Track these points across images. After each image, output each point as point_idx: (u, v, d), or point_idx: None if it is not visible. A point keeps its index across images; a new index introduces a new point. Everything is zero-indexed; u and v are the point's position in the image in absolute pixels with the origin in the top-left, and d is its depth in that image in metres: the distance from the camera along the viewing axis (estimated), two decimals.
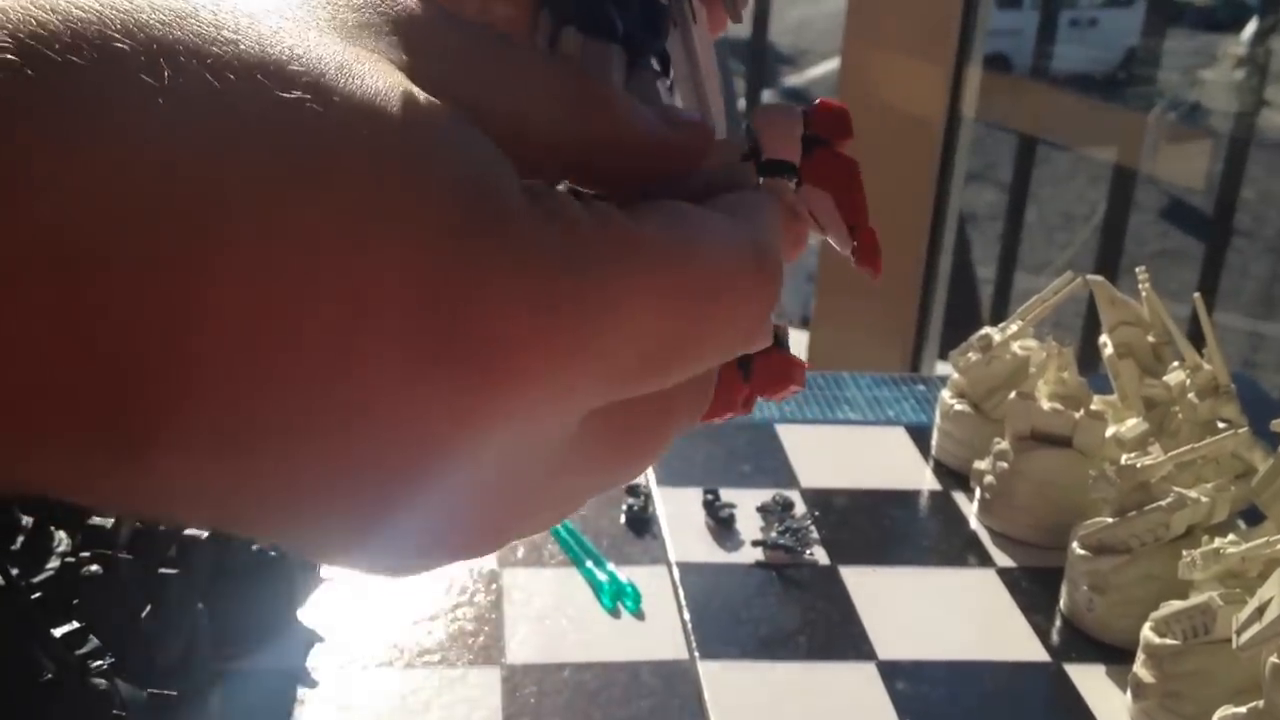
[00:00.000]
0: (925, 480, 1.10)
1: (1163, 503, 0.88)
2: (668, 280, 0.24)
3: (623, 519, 1.02)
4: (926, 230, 2.02)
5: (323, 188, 0.21)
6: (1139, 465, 0.90)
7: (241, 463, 0.22)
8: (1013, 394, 1.02)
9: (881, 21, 1.97)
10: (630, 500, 1.03)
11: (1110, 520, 0.90)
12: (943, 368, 2.93)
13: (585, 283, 0.23)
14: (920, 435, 1.16)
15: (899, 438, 1.17)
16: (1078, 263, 6.51)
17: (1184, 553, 0.84)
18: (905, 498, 1.08)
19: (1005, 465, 1.01)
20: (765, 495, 1.05)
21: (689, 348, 0.25)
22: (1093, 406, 1.02)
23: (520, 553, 0.97)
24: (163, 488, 0.22)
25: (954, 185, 2.00)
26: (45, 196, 0.19)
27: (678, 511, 1.03)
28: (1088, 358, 1.71)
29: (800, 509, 1.04)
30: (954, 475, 1.10)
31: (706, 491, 1.04)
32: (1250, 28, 7.55)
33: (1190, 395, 0.98)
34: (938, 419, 1.13)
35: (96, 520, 0.78)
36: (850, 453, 1.14)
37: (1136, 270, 1.06)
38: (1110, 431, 1.01)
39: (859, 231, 0.35)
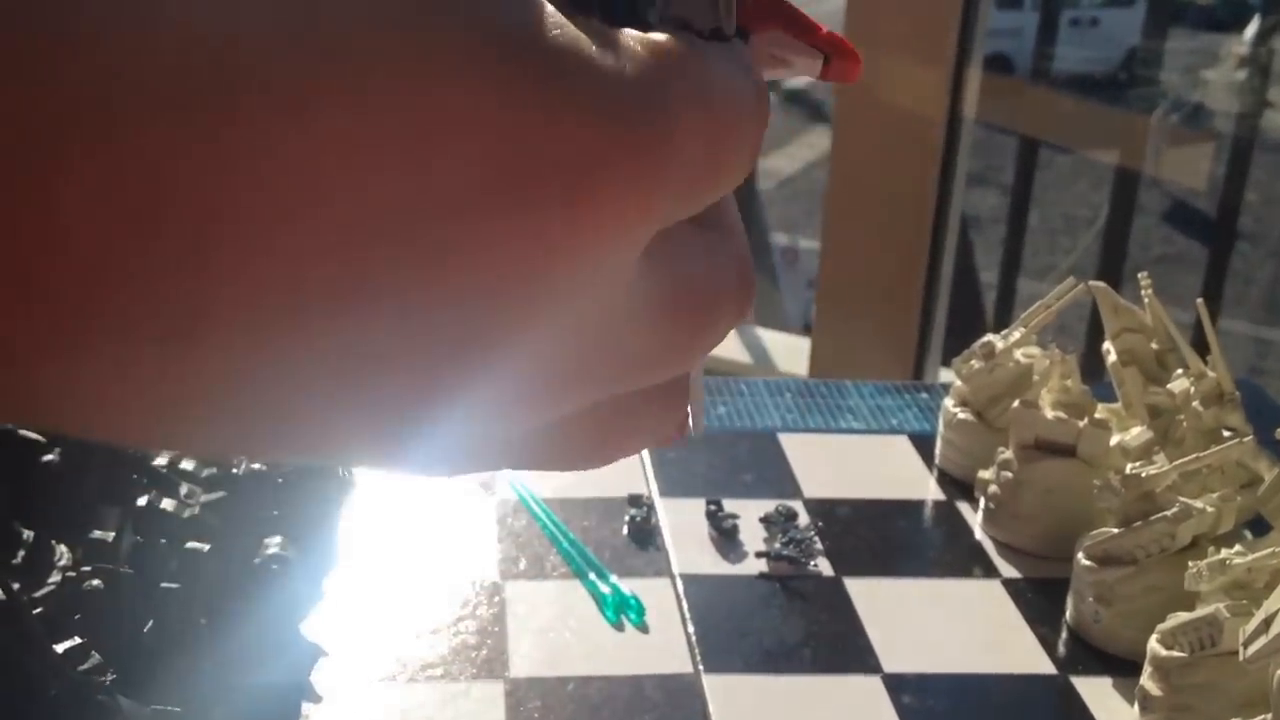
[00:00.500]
0: (929, 490, 1.11)
1: (1168, 513, 0.89)
2: (710, 103, 0.25)
3: (625, 530, 1.02)
4: (928, 234, 2.03)
5: (375, 29, 0.20)
6: (1144, 475, 0.91)
7: (312, 332, 0.21)
8: (1016, 402, 1.03)
9: (880, 21, 1.98)
10: (633, 511, 1.04)
11: (1116, 531, 0.91)
12: (946, 374, 2.94)
13: (653, 96, 0.23)
14: (923, 444, 1.17)
15: (902, 447, 1.17)
16: (1081, 267, 6.53)
17: (1190, 564, 0.85)
18: (909, 508, 1.09)
19: (1009, 475, 1.02)
20: (768, 506, 1.06)
21: (722, 172, 0.26)
22: (1097, 415, 1.03)
23: (522, 564, 0.98)
24: (225, 372, 0.21)
25: (955, 188, 2.01)
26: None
27: (680, 522, 1.04)
28: (1092, 365, 1.72)
29: (804, 519, 1.05)
30: (957, 484, 1.11)
31: (709, 502, 1.05)
32: (1252, 27, 7.56)
33: (1195, 403, 0.99)
34: (941, 427, 1.13)
35: (97, 533, 0.79)
36: (853, 462, 1.15)
37: (1139, 276, 1.07)
38: (1114, 440, 1.02)
39: (820, 38, 0.36)
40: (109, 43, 0.18)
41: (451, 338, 0.22)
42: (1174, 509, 0.89)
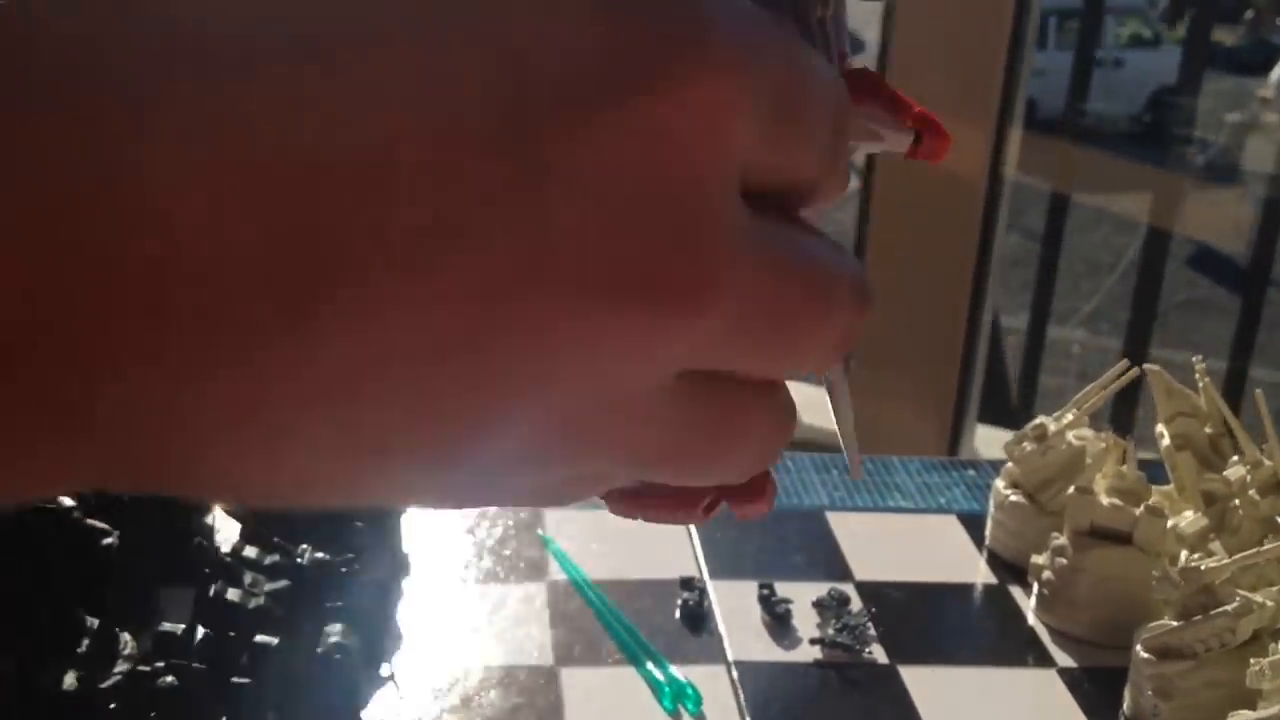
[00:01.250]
0: (980, 572, 1.13)
1: (1229, 608, 0.91)
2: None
3: (678, 614, 1.05)
4: (967, 295, 2.06)
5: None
6: (1203, 568, 0.93)
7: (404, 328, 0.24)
8: (1071, 488, 1.05)
9: (923, 79, 2.01)
10: (685, 594, 1.06)
11: (1175, 624, 0.93)
12: (983, 431, 2.96)
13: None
14: (972, 523, 1.19)
15: (951, 526, 1.20)
16: (1103, 311, 6.54)
17: (1251, 661, 0.87)
18: (961, 591, 1.11)
19: (1064, 561, 1.04)
20: (820, 589, 1.08)
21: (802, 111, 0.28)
22: (1152, 500, 1.05)
23: (577, 650, 1.00)
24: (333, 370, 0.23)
25: (994, 248, 2.03)
26: None
27: (733, 606, 1.06)
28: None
29: (856, 604, 1.07)
30: (1009, 568, 1.13)
31: (762, 586, 1.07)
32: (1277, 71, 7.61)
33: (1251, 492, 1.01)
34: (991, 508, 1.16)
35: (167, 626, 0.81)
36: (903, 542, 1.17)
37: (1194, 360, 1.10)
38: (1169, 524, 1.04)
39: (913, 115, 0.37)
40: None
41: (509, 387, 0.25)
42: (1234, 603, 0.91)
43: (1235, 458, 1.05)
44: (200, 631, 0.82)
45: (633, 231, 0.24)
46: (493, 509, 1.17)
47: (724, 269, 0.25)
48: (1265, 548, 0.94)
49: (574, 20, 0.24)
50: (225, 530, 0.90)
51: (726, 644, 1.02)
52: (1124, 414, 3.25)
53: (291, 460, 0.25)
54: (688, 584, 1.07)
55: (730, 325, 0.26)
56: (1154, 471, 1.12)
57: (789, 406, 0.31)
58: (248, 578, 0.86)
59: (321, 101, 0.22)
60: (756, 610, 1.06)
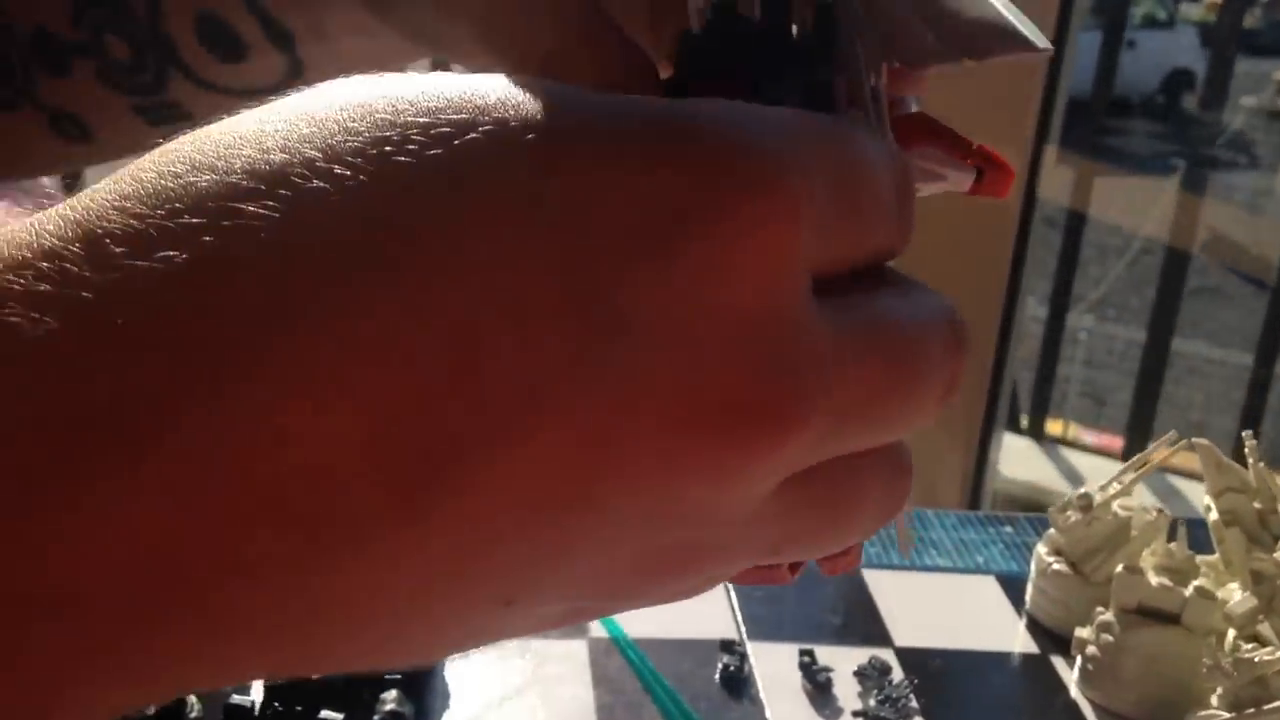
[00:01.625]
0: (1020, 640, 1.14)
1: None
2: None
3: (717, 678, 1.05)
4: (999, 311, 2.06)
5: None
6: (1256, 660, 0.94)
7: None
8: (1120, 566, 1.05)
9: (959, 98, 2.00)
10: (725, 658, 1.06)
11: (1227, 715, 0.94)
12: (1009, 439, 2.96)
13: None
14: (1011, 585, 1.20)
15: (990, 589, 1.20)
16: (1113, 298, 6.55)
17: None
18: (1002, 660, 1.12)
19: (1110, 638, 1.05)
20: (860, 655, 1.08)
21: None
22: (1200, 580, 1.06)
23: (618, 713, 1.01)
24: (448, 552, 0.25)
25: (1026, 272, 2.04)
26: None
27: (774, 671, 1.06)
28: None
29: (897, 674, 1.07)
30: (1049, 636, 1.14)
31: (802, 652, 1.07)
32: None
33: None
34: (1033, 573, 1.16)
35: (236, 698, 0.82)
36: (941, 605, 1.17)
37: (1244, 436, 1.10)
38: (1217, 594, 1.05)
39: (974, 152, 0.38)
40: None
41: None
42: None
43: None
44: (268, 704, 0.84)
45: (711, 368, 0.25)
46: None
47: (808, 383, 0.26)
48: None
49: (632, 171, 0.25)
50: None
51: (769, 714, 1.02)
52: (1144, 414, 3.26)
53: (425, 625, 0.27)
54: (728, 647, 1.08)
55: (826, 428, 0.27)
56: (1197, 533, 1.12)
57: (903, 457, 0.32)
58: None
59: (406, 294, 0.24)
60: (797, 677, 1.06)
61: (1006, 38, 0.33)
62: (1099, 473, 1.16)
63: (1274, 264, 3.09)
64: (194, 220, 0.24)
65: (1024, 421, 3.63)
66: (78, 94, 0.52)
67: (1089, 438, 4.18)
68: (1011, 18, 0.33)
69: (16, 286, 0.23)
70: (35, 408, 0.22)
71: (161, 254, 0.23)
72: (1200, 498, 1.13)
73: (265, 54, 0.49)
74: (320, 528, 0.24)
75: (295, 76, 0.50)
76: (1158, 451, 1.14)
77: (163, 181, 0.25)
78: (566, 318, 0.24)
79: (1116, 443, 3.71)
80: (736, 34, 0.34)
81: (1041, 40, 0.33)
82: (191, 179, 0.24)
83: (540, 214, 0.24)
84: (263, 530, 0.23)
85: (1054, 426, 3.90)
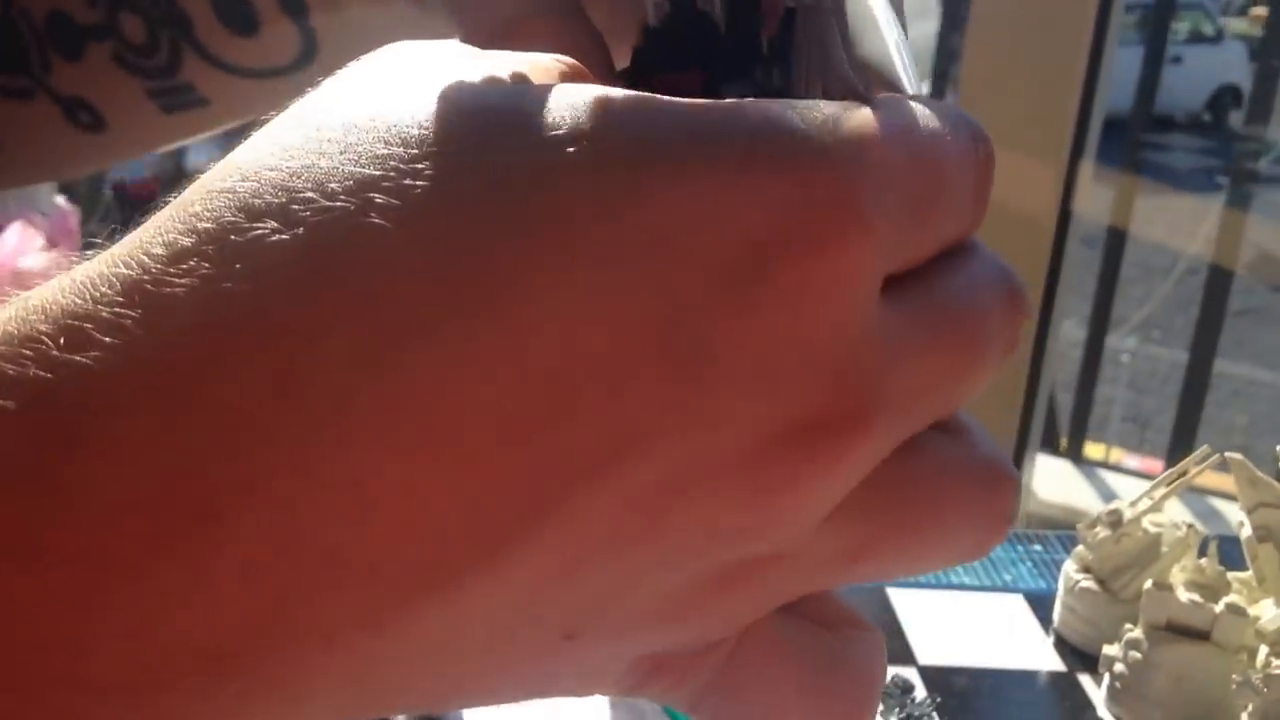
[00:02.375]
0: (1047, 658, 1.14)
1: None
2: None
3: None
4: (1033, 330, 2.05)
5: None
6: None
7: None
8: (1149, 583, 1.05)
9: (995, 111, 2.01)
10: None
11: None
12: (1043, 460, 2.95)
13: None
14: (1039, 604, 1.20)
15: (1018, 607, 1.20)
16: (1157, 320, 6.52)
17: None
18: (1028, 679, 1.11)
19: (1138, 656, 1.04)
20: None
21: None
22: (1231, 596, 1.06)
23: None
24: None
25: (1061, 291, 2.03)
26: None
27: None
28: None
29: (921, 692, 1.07)
30: (1077, 654, 1.13)
31: None
32: None
33: None
34: (1060, 591, 1.16)
35: None
36: (967, 623, 1.17)
37: (1278, 449, 1.10)
38: (1249, 614, 1.04)
39: None
40: None
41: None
42: None
43: None
44: None
45: (788, 389, 0.25)
46: None
47: (874, 388, 0.26)
48: None
49: (720, 196, 0.25)
50: None
51: None
52: (1186, 437, 3.25)
53: (493, 666, 0.27)
54: None
55: (890, 425, 0.27)
56: (1230, 549, 1.12)
57: (979, 449, 0.31)
58: None
59: (495, 339, 0.24)
60: None
61: (884, 84, 0.33)
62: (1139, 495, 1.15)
63: None
64: (272, 280, 0.24)
65: (1063, 444, 3.62)
66: (93, 79, 0.52)
67: (1131, 461, 4.16)
68: (898, 61, 0.33)
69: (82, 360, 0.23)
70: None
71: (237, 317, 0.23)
72: (1234, 516, 1.13)
73: (279, 25, 0.50)
74: (405, 588, 0.24)
75: (309, 53, 0.50)
76: (1190, 467, 1.13)
77: (229, 236, 0.24)
78: (659, 359, 0.24)
79: (1159, 466, 3.69)
80: (696, 30, 0.34)
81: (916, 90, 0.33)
82: (256, 230, 0.24)
83: (631, 244, 0.24)
84: (348, 593, 0.24)
85: (1095, 450, 3.89)
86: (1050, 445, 3.50)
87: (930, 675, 1.10)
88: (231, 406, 0.23)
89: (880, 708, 1.05)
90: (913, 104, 0.29)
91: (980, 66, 2.06)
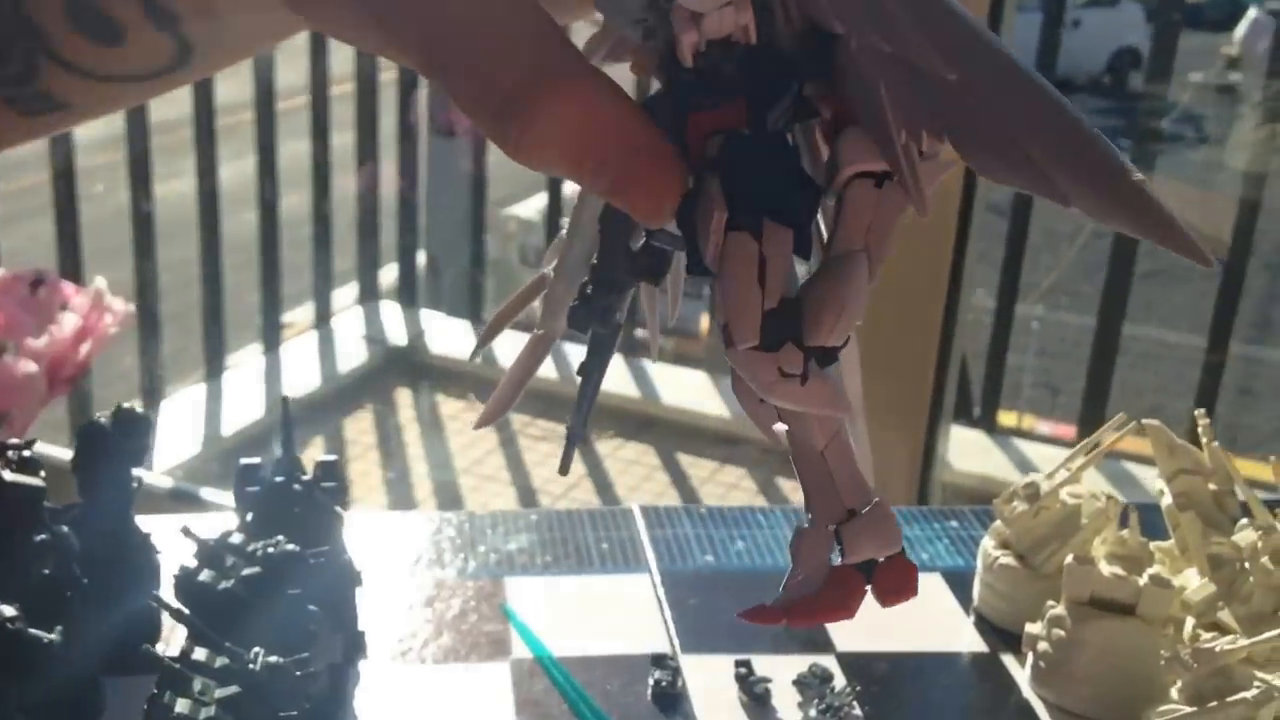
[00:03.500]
0: (968, 639, 1.12)
1: (1248, 695, 0.90)
2: None
3: (649, 695, 1.02)
4: (942, 297, 2.04)
5: None
6: (1217, 649, 0.92)
7: None
8: (1069, 557, 1.03)
9: None
10: (658, 673, 1.04)
11: (1188, 709, 0.92)
12: (957, 431, 2.94)
13: None
14: (957, 582, 1.18)
15: (936, 586, 1.18)
16: (1065, 284, 6.57)
17: None
18: (950, 661, 1.09)
19: (1062, 633, 1.03)
20: (800, 663, 1.06)
21: None
22: (1155, 568, 1.04)
23: None
24: None
25: (970, 259, 2.02)
26: None
27: (708, 686, 1.04)
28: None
29: (839, 681, 1.05)
30: (999, 633, 1.12)
31: (738, 663, 1.05)
32: (1242, 27, 7.67)
33: (1263, 559, 1.00)
34: (979, 569, 1.14)
35: None
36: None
37: (1196, 415, 1.08)
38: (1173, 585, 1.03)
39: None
40: None
41: None
42: (1254, 690, 0.90)
43: (1244, 520, 1.04)
44: None
45: None
46: (451, 578, 1.15)
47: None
48: None
49: None
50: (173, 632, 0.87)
51: None
52: (1096, 402, 3.26)
53: None
54: (660, 661, 1.05)
55: None
56: (1150, 517, 1.10)
57: None
58: (197, 684, 0.84)
59: None
60: (733, 689, 1.04)
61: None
62: (1053, 463, 1.13)
63: (1225, 240, 3.09)
64: None
65: (976, 413, 3.63)
66: None
67: (1044, 428, 4.19)
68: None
69: None
70: None
71: None
72: (1153, 482, 1.12)
73: (147, 35, 0.48)
74: None
75: (184, 58, 0.49)
76: (1106, 436, 1.12)
77: None
78: None
79: (1071, 432, 3.72)
80: (731, 69, 0.38)
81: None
82: None
83: None
84: None
85: (1008, 418, 3.90)
86: (964, 415, 3.51)
87: (849, 662, 1.07)
88: None
89: (798, 699, 1.03)
90: None
91: None
